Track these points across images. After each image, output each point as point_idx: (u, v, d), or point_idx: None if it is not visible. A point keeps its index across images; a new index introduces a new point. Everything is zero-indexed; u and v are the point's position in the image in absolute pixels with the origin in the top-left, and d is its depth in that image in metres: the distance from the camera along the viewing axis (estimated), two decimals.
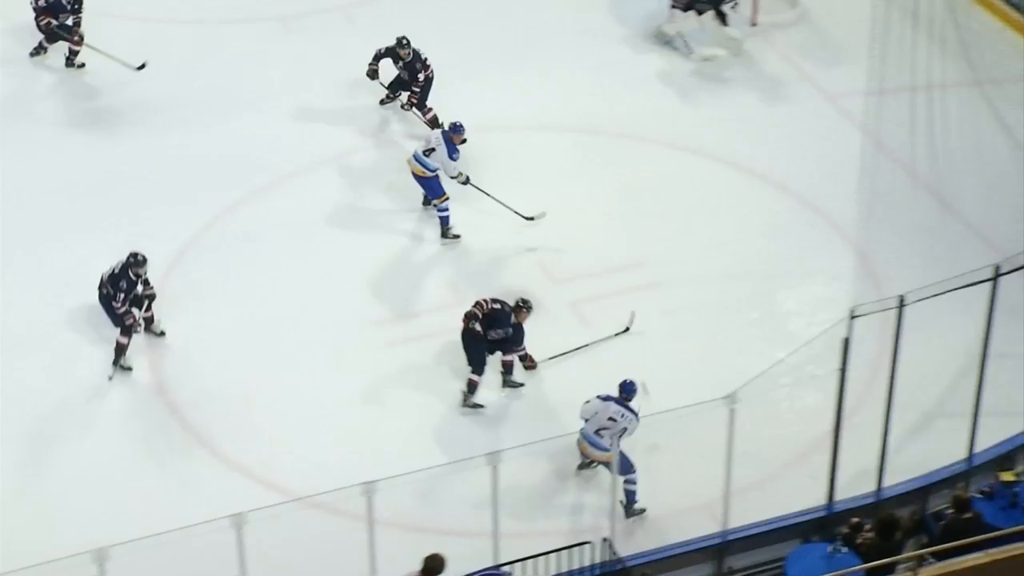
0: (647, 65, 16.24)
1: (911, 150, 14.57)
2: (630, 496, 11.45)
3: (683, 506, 11.32)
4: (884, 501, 11.00)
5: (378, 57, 15.16)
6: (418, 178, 13.97)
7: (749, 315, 13.13)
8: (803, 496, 11.15)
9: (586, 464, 11.74)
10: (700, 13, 16.37)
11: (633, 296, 13.20)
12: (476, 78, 15.85)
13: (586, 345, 12.75)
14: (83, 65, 16.03)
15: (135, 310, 12.54)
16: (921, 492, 11.19)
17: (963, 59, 15.73)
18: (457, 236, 13.95)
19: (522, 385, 12.49)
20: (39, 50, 16.21)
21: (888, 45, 16.00)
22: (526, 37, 16.54)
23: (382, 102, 15.52)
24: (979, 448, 11.24)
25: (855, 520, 10.47)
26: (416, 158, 13.91)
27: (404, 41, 15.05)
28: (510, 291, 12.74)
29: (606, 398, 11.41)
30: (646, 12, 16.81)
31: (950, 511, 10.62)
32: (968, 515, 10.47)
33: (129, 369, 12.53)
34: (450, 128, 13.93)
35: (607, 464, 11.34)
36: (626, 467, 11.37)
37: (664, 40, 16.57)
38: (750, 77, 16.03)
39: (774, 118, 15.33)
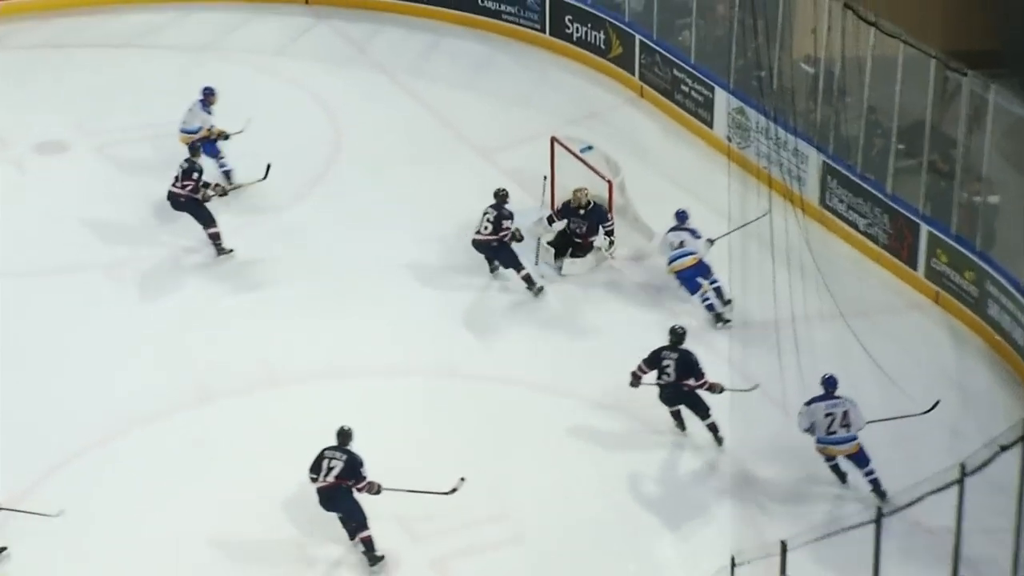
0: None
1: (781, 384, 14.17)
2: (876, 484, 12.85)
3: None
4: None
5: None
6: (690, 269, 15.42)
7: (626, 567, 12.54)
8: None
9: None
10: (574, 255, 16.20)
11: (497, 552, 12.57)
12: (319, 319, 15.38)
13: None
14: (232, 251, 15.78)
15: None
16: None
17: (824, 290, 15.56)
18: (728, 320, 15.31)
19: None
20: (219, 247, 15.79)
21: (748, 278, 15.82)
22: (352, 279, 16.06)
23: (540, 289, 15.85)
24: None
25: None
26: (677, 257, 15.44)
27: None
28: None
29: (809, 402, 12.85)
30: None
31: None
32: None
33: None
34: (681, 215, 15.66)
35: (852, 457, 12.86)
36: (863, 460, 12.84)
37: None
38: (603, 316, 15.63)
39: (633, 354, 14.65)
